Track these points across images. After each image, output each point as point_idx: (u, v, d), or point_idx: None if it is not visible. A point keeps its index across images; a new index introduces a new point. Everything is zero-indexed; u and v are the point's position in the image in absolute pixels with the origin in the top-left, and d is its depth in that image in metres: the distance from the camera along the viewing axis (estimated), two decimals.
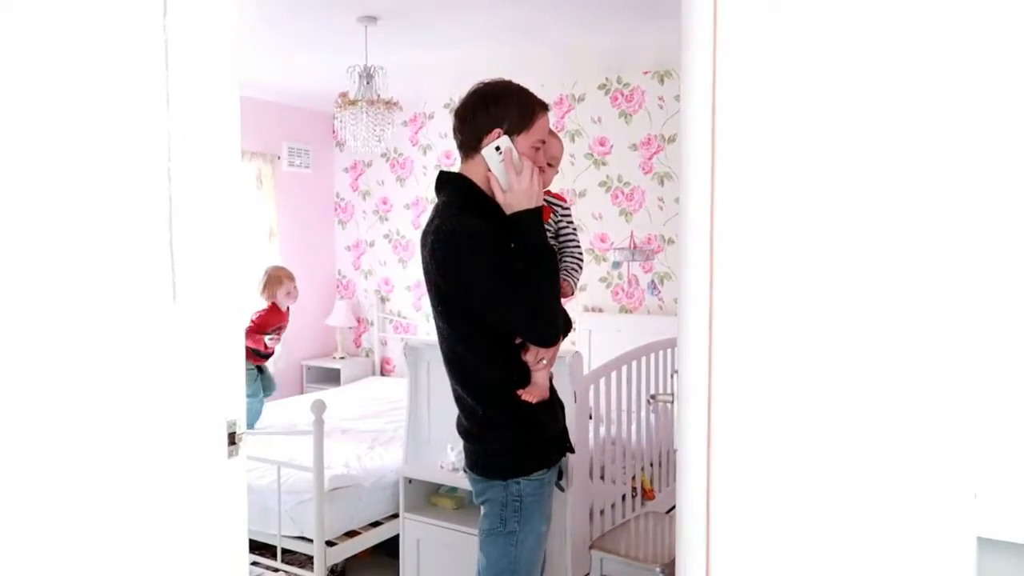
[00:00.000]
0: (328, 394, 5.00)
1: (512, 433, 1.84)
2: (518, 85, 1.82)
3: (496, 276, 1.68)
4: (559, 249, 1.94)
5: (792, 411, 1.23)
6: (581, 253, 1.97)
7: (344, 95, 3.39)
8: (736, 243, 1.22)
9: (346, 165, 5.81)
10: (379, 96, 3.41)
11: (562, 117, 4.83)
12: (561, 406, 1.98)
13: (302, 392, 5.53)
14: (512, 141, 1.73)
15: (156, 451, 1.18)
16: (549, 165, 1.88)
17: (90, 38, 1.08)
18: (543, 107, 1.79)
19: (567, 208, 1.97)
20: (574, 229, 1.97)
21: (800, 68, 1.17)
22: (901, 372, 1.13)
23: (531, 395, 1.82)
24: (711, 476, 1.23)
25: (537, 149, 1.76)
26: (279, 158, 5.31)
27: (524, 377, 1.84)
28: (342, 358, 5.63)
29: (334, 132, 5.68)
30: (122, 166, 1.13)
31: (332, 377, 5.54)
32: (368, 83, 3.40)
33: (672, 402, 1.58)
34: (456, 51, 4.12)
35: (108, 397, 1.12)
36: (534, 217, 1.71)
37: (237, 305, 1.27)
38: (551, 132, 1.87)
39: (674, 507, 3.59)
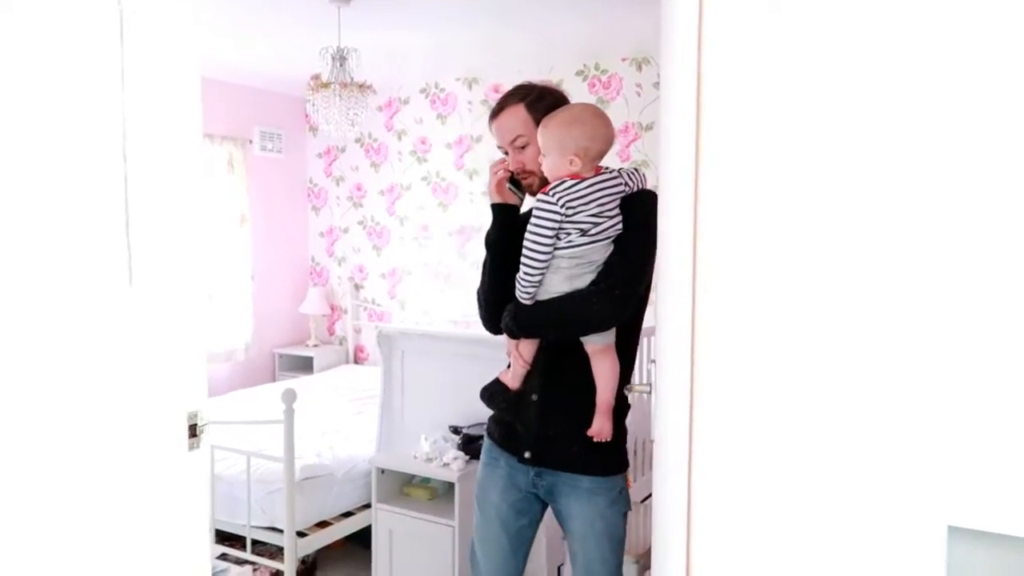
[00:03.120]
0: (300, 382, 4.93)
1: None
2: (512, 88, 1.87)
3: None
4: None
5: (772, 404, 1.21)
6: (525, 258, 1.67)
7: (316, 77, 3.31)
8: (722, 235, 1.19)
9: (319, 150, 5.71)
10: (352, 79, 3.33)
11: None
12: (528, 409, 1.82)
13: (274, 380, 5.46)
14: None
15: (112, 444, 1.13)
16: (505, 153, 1.82)
17: (41, 9, 1.02)
18: (490, 117, 1.85)
19: (541, 208, 1.65)
20: (538, 233, 1.64)
21: (793, 62, 1.14)
22: (877, 366, 1.14)
23: (504, 374, 1.86)
24: (692, 469, 1.21)
25: (506, 152, 1.82)
26: (251, 142, 5.21)
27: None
28: (315, 346, 5.56)
29: (307, 116, 5.59)
30: (74, 143, 1.06)
31: (305, 365, 5.46)
32: (341, 66, 3.32)
33: (649, 392, 1.55)
34: (432, 35, 4.05)
35: (59, 387, 1.06)
36: (495, 212, 1.82)
37: (198, 290, 1.21)
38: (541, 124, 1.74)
39: (648, 496, 3.59)
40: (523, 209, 1.85)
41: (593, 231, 1.65)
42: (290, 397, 2.87)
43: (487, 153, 4.98)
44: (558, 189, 1.64)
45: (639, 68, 4.49)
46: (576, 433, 1.75)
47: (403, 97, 5.31)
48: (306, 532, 3.11)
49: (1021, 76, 1.03)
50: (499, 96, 1.85)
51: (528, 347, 1.79)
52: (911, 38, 1.08)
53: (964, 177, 1.07)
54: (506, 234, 1.79)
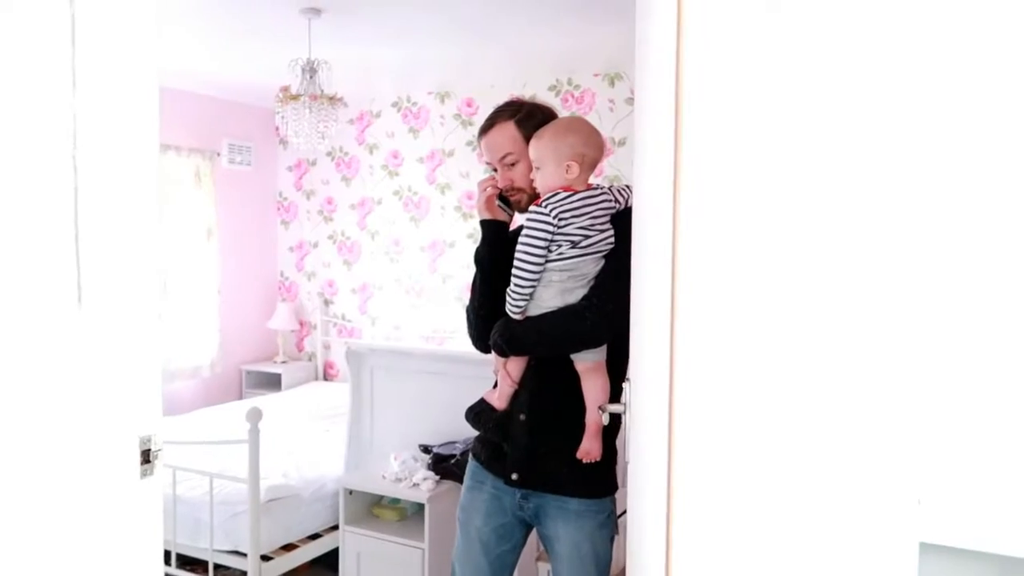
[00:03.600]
0: (268, 399, 4.83)
1: None
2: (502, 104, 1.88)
3: None
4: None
5: (749, 423, 1.18)
6: (516, 270, 1.65)
7: (286, 89, 3.26)
8: (703, 250, 1.16)
9: (290, 164, 5.63)
10: (323, 91, 3.28)
11: None
12: (516, 429, 1.77)
13: (241, 397, 5.34)
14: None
15: (57, 471, 1.06)
16: (495, 169, 1.80)
17: None
18: (479, 132, 1.85)
19: (534, 219, 1.64)
20: (530, 244, 1.62)
21: (774, 70, 1.11)
22: (853, 385, 1.12)
23: (490, 394, 1.83)
24: (672, 493, 1.16)
25: (495, 169, 1.80)
26: (219, 155, 5.12)
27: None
28: (283, 362, 5.45)
29: (277, 129, 5.51)
30: (18, 151, 1.00)
31: (273, 382, 5.35)
32: (311, 77, 3.27)
33: (624, 412, 1.51)
34: (404, 48, 4.01)
35: (2, 411, 1.00)
36: (484, 229, 1.81)
37: (151, 309, 1.15)
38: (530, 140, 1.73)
39: (623, 513, 3.54)
40: (512, 226, 1.84)
41: (584, 243, 1.65)
42: (255, 416, 2.79)
43: (459, 167, 4.94)
44: (551, 201, 1.65)
45: (611, 83, 4.49)
46: (565, 454, 1.71)
47: (375, 110, 5.26)
48: (271, 556, 3.02)
49: (1013, 83, 1.02)
50: (481, 111, 1.89)
51: (516, 365, 1.75)
52: (892, 47, 1.07)
53: (940, 190, 1.06)
54: (496, 251, 1.79)
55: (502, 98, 4.79)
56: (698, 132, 1.15)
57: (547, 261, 1.66)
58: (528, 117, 1.77)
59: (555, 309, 1.67)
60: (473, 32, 3.71)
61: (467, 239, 4.91)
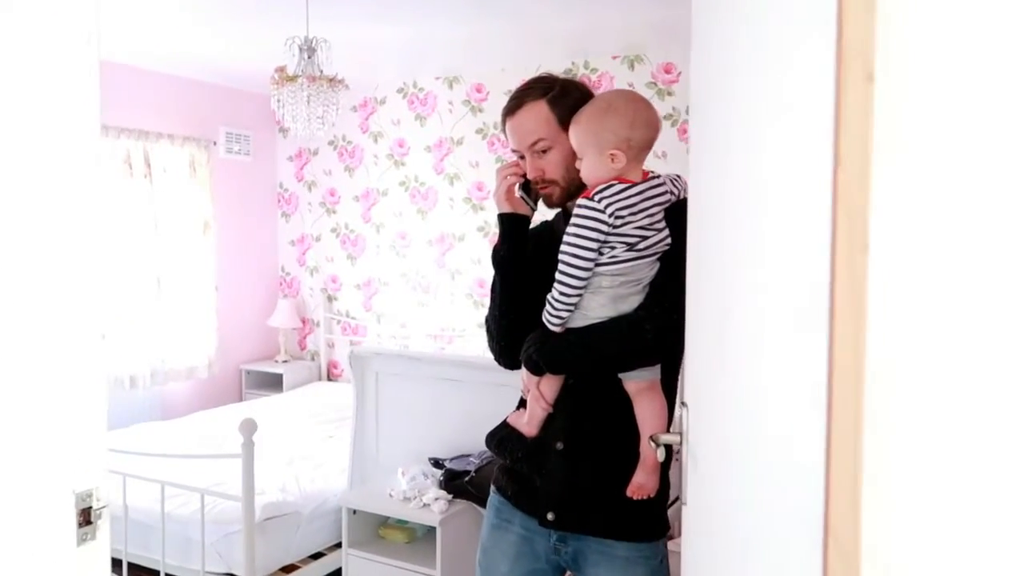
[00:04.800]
0: (269, 401, 4.60)
1: None
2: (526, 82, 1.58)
3: None
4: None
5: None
6: (562, 276, 1.40)
7: (281, 70, 2.99)
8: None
9: (290, 153, 5.38)
10: (322, 72, 3.01)
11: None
12: (551, 461, 1.51)
13: (241, 399, 5.10)
14: None
15: None
16: (521, 157, 1.53)
17: None
18: (503, 115, 1.57)
19: (577, 210, 1.40)
20: (580, 246, 1.38)
21: None
22: None
23: (517, 417, 1.56)
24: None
25: (521, 156, 1.54)
26: (215, 144, 4.86)
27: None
28: (285, 361, 5.21)
29: (277, 118, 5.25)
30: None
31: (274, 382, 5.11)
32: (310, 58, 3.00)
33: (680, 443, 1.26)
34: (409, 29, 3.74)
35: None
36: (503, 224, 1.56)
37: (94, 326, 0.89)
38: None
39: None
40: (534, 221, 1.60)
41: (641, 245, 1.40)
42: (249, 428, 2.54)
43: (469, 156, 4.67)
44: (606, 194, 1.37)
45: (631, 66, 4.22)
46: (611, 489, 1.46)
47: (379, 97, 5.00)
48: None
49: None
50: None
51: (551, 385, 1.49)
52: None
53: None
54: (519, 249, 1.54)
55: (514, 83, 4.52)
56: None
57: (596, 264, 1.40)
58: (563, 95, 1.49)
59: (605, 320, 1.41)
60: (482, 11, 3.45)
61: (477, 232, 4.65)
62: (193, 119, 4.73)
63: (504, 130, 1.56)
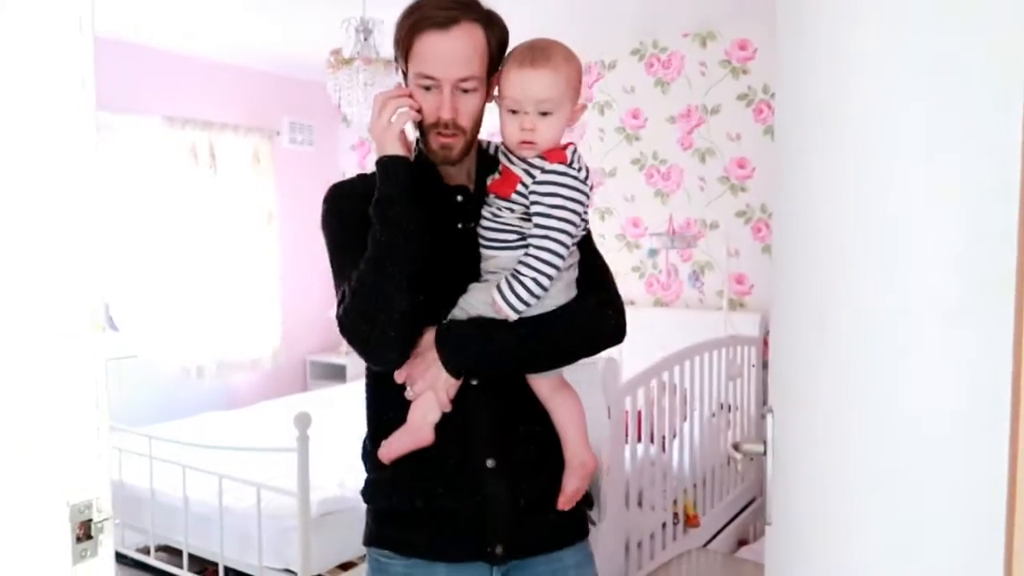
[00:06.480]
0: (332, 392, 4.57)
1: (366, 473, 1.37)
2: None
3: (331, 246, 1.28)
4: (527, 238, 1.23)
5: None
6: (550, 255, 1.19)
7: (337, 53, 2.91)
8: None
9: (352, 142, 5.34)
10: (378, 54, 2.92)
11: (590, 87, 4.32)
12: (487, 483, 1.25)
13: (305, 389, 5.10)
14: (404, 80, 1.26)
15: None
16: (512, 112, 1.22)
17: None
18: (424, 25, 1.18)
19: (558, 179, 1.21)
20: (572, 221, 1.20)
21: None
22: None
23: (387, 449, 1.24)
24: None
25: (427, 88, 1.20)
26: (278, 134, 4.85)
27: (403, 415, 1.24)
28: (347, 353, 5.18)
29: (340, 106, 5.21)
30: None
31: (337, 373, 5.10)
32: (366, 40, 2.91)
33: (764, 454, 1.09)
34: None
35: None
36: (392, 168, 1.18)
37: (91, 317, 0.79)
38: (516, 63, 1.21)
39: (713, 537, 3.10)
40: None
41: (584, 225, 1.29)
42: (303, 422, 2.47)
43: None
44: (579, 162, 1.23)
45: (703, 44, 3.99)
46: (550, 498, 1.28)
47: None
48: (326, 575, 2.71)
49: None
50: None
51: (455, 385, 1.23)
52: None
53: None
54: (414, 203, 1.18)
55: None
56: None
57: None
58: (492, 24, 1.23)
59: (557, 308, 1.23)
60: None
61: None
62: (256, 109, 4.73)
63: (402, 45, 1.21)
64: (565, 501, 1.28)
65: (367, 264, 1.17)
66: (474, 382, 1.24)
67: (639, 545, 2.58)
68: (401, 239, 1.16)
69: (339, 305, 1.22)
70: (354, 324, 1.18)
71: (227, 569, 2.75)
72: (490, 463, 1.24)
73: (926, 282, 0.70)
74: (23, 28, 0.74)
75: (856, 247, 0.78)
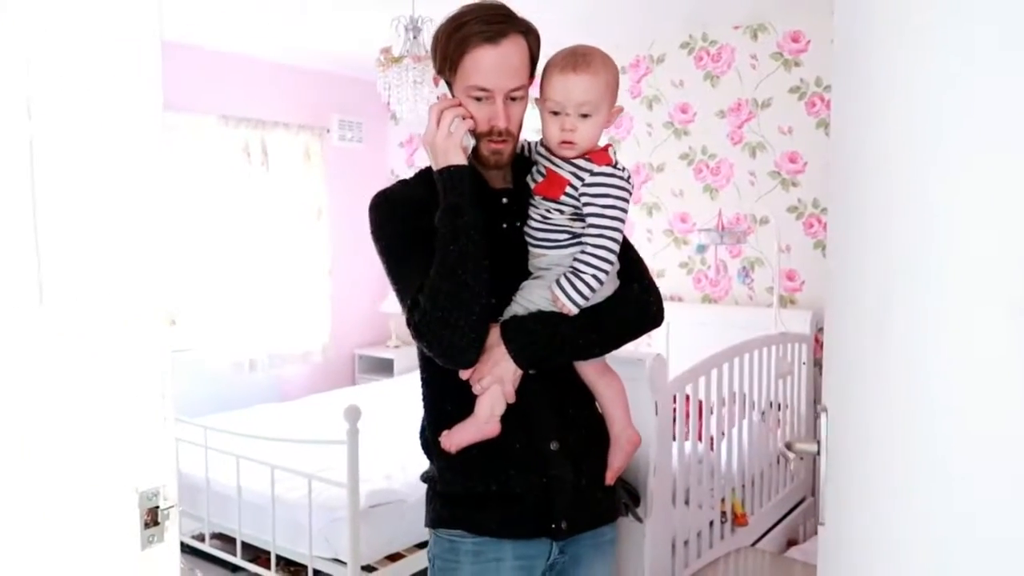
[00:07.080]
0: (380, 386, 4.64)
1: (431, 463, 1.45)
2: (460, 11, 1.31)
3: (389, 254, 1.33)
4: (581, 238, 1.32)
5: None
6: (605, 252, 1.28)
7: (386, 51, 2.94)
8: None
9: (401, 139, 5.39)
10: (427, 52, 2.94)
11: (638, 82, 4.29)
12: (552, 465, 1.35)
13: (354, 383, 5.18)
14: (450, 90, 1.35)
15: (13, 550, 0.75)
16: (554, 113, 1.30)
17: None
18: (475, 40, 1.25)
19: (608, 180, 1.29)
20: (614, 216, 1.28)
21: None
22: None
23: (450, 439, 1.31)
24: None
25: (478, 99, 1.28)
26: (328, 131, 4.92)
27: (462, 407, 1.32)
28: (396, 347, 5.25)
29: (388, 104, 5.26)
30: None
31: (385, 367, 5.16)
32: (415, 38, 2.94)
33: (818, 454, 1.08)
34: (518, 4, 3.62)
35: None
36: (458, 178, 1.25)
37: (161, 311, 0.82)
38: (558, 68, 1.29)
39: (762, 537, 3.06)
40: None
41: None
42: (353, 415, 2.52)
43: None
44: (620, 164, 1.34)
45: (754, 36, 3.93)
46: (601, 477, 1.41)
47: None
48: (375, 566, 2.76)
49: None
50: (473, 11, 1.28)
51: (519, 377, 1.31)
52: None
53: None
54: (478, 210, 1.28)
55: (626, 60, 4.32)
56: None
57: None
58: (530, 32, 1.33)
59: (608, 298, 1.35)
60: None
61: None
62: (307, 108, 4.80)
63: (451, 59, 1.27)
64: (612, 475, 1.41)
65: (441, 272, 1.23)
66: (531, 372, 1.32)
67: (686, 543, 2.56)
68: (471, 247, 1.24)
69: (410, 312, 1.28)
70: (435, 331, 1.24)
71: (279, 557, 2.82)
72: (554, 446, 1.34)
73: (990, 279, 0.69)
74: (102, 37, 0.77)
75: (916, 244, 0.77)
